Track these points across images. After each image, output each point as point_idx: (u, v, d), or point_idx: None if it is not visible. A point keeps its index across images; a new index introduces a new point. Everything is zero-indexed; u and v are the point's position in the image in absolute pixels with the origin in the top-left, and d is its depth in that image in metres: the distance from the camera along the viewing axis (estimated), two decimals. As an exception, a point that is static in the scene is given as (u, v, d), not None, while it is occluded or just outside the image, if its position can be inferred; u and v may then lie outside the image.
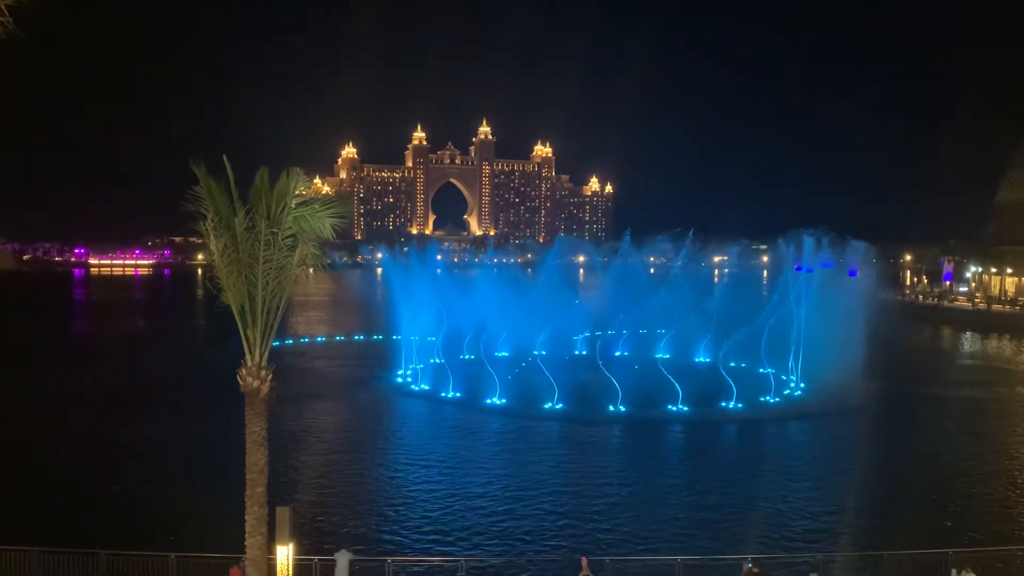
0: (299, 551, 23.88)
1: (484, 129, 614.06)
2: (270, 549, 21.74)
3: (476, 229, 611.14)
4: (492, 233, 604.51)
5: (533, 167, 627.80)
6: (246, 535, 21.14)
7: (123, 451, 43.42)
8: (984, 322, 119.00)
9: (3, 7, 12.81)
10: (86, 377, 66.92)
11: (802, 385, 63.66)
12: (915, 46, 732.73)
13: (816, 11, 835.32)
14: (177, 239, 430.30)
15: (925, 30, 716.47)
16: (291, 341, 73.70)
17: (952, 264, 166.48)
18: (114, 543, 25.52)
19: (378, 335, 69.30)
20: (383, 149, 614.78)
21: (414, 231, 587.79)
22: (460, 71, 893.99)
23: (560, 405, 55.73)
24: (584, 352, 78.30)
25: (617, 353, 77.03)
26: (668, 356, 75.88)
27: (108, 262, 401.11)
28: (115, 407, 55.07)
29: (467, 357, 73.96)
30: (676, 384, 55.98)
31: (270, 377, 20.98)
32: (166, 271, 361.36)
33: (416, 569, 28.36)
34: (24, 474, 38.87)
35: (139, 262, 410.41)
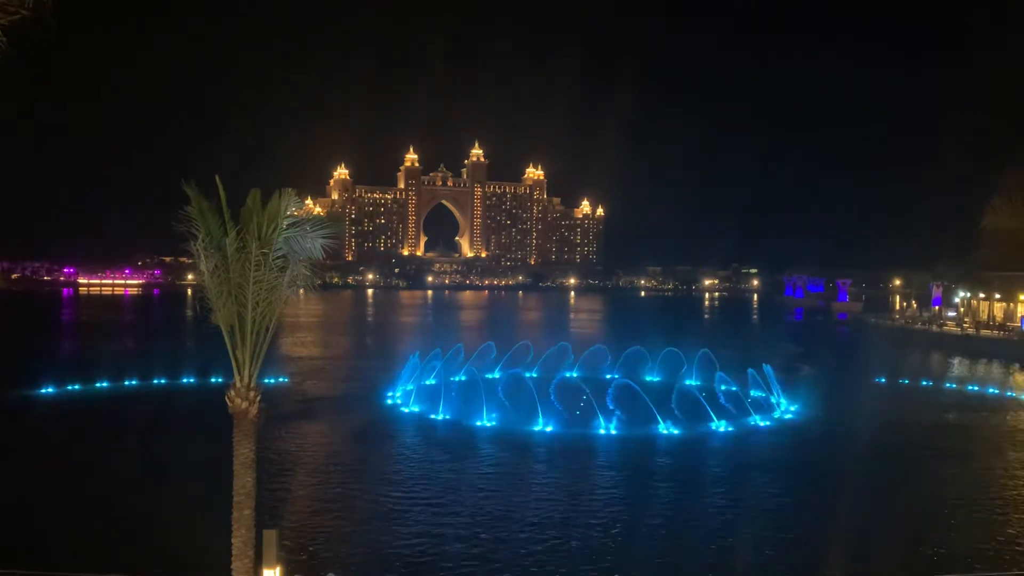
0: (286, 574, 23.68)
1: (476, 151, 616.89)
2: (257, 573, 21.55)
3: (467, 251, 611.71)
4: (484, 255, 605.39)
5: (525, 189, 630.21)
6: (232, 558, 20.95)
7: (107, 473, 42.95)
8: (973, 347, 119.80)
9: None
10: (67, 398, 66.36)
11: (792, 408, 64.32)
12: (902, 74, 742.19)
13: (809, 43, 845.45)
14: (167, 259, 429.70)
15: (913, 60, 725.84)
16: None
17: (941, 289, 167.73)
18: (99, 566, 25.25)
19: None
20: (375, 170, 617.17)
21: (405, 252, 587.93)
22: (452, 94, 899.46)
23: (550, 427, 55.66)
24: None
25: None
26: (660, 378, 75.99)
27: (97, 281, 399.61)
28: (98, 428, 54.58)
29: (459, 378, 73.85)
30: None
31: (258, 398, 20.91)
32: (156, 291, 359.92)
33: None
34: (9, 495, 38.37)
35: (129, 282, 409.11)
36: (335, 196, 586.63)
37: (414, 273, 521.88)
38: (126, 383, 72.48)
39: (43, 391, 67.65)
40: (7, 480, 40.67)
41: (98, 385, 71.19)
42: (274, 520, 31.64)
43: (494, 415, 58.10)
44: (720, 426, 56.95)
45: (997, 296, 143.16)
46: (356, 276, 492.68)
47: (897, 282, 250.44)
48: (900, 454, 50.01)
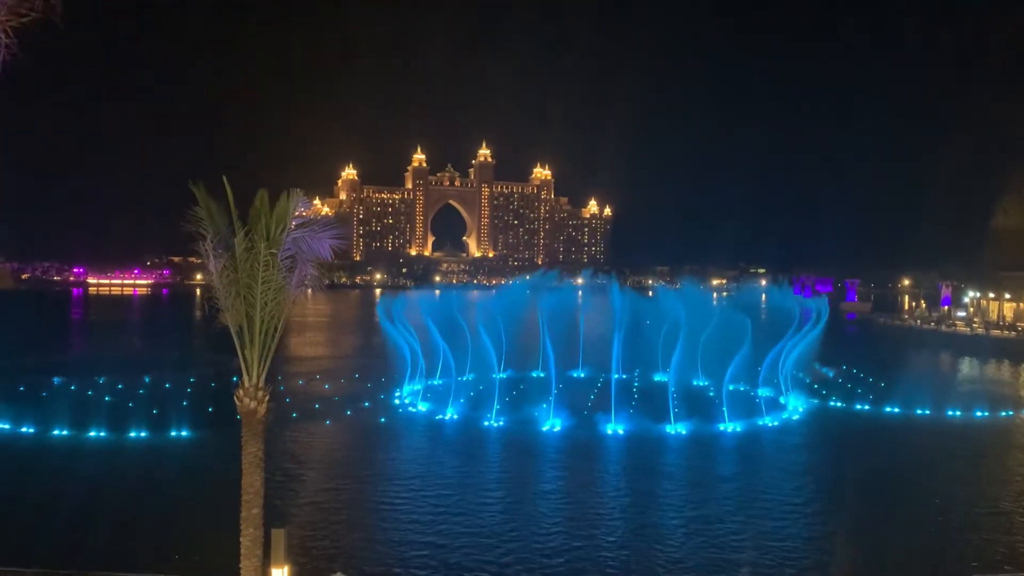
0: (294, 573, 23.73)
1: (484, 151, 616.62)
2: (265, 571, 21.60)
3: (475, 251, 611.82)
4: (491, 255, 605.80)
5: (532, 189, 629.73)
6: (241, 557, 21.00)
7: (111, 472, 43.08)
8: (982, 347, 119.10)
9: (7, 29, 12.94)
10: (70, 395, 66.67)
11: (800, 409, 64.25)
12: (913, 75, 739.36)
13: (817, 42, 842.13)
14: (176, 259, 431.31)
15: (924, 57, 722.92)
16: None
17: (950, 289, 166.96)
18: (105, 565, 25.32)
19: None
20: (383, 171, 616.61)
21: (413, 252, 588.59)
22: (460, 94, 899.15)
23: (558, 426, 55.68)
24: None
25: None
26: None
27: (107, 281, 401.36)
28: (103, 425, 54.71)
29: (466, 378, 73.79)
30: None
31: (267, 398, 20.95)
32: (164, 291, 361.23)
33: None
34: (9, 493, 38.54)
35: (138, 282, 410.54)
36: (343, 196, 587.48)
37: (421, 273, 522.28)
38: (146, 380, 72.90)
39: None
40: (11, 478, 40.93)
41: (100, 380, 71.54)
42: (282, 519, 31.73)
43: (502, 415, 58.15)
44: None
45: (1007, 296, 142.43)
46: (364, 276, 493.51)
47: (906, 282, 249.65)
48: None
